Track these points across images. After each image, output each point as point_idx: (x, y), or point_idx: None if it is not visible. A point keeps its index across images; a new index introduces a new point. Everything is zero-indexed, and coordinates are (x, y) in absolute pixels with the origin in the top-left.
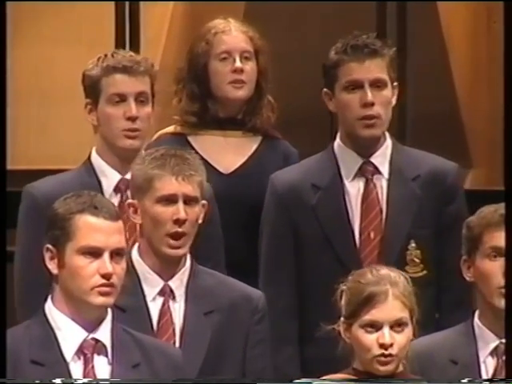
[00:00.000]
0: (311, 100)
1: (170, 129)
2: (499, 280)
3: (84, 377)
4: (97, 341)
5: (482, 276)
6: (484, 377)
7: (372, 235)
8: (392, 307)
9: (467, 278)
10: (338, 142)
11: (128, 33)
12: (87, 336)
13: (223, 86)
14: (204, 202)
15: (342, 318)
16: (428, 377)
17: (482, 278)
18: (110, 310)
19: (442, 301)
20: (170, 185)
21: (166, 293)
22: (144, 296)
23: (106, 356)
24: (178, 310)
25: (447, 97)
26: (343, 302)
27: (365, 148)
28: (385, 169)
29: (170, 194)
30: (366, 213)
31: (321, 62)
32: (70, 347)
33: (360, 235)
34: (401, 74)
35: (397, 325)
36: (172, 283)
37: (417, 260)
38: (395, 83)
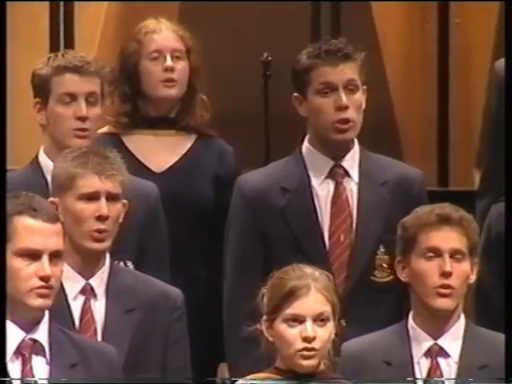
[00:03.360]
0: (247, 98)
1: (105, 129)
2: (435, 280)
3: (22, 377)
4: (35, 341)
5: (418, 276)
6: (418, 377)
7: (342, 238)
8: (314, 300)
9: (402, 279)
10: (306, 145)
11: (62, 33)
12: (25, 336)
13: (154, 85)
14: (125, 201)
15: (264, 316)
16: (361, 378)
17: (418, 278)
18: (47, 311)
19: (405, 307)
20: (92, 182)
21: (87, 291)
22: (65, 295)
23: (44, 356)
24: (99, 308)
25: (380, 97)
26: (265, 300)
27: (335, 151)
28: (354, 173)
29: (92, 191)
30: (336, 215)
31: (256, 59)
32: (8, 348)
33: (330, 238)
34: None
35: (319, 319)
36: (93, 282)
37: (385, 265)
38: (364, 87)
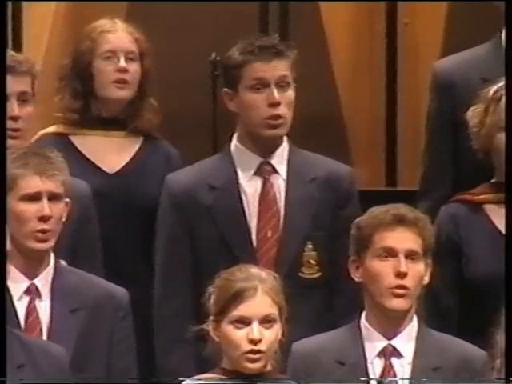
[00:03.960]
0: (195, 98)
1: (52, 128)
2: (390, 280)
3: None
4: None
5: (372, 276)
6: (371, 377)
7: (269, 234)
8: (261, 303)
9: (355, 279)
10: (235, 142)
11: (11, 31)
12: None
13: (106, 84)
14: (67, 200)
15: (211, 317)
16: (313, 378)
17: (372, 279)
18: None
19: (336, 303)
20: (33, 183)
21: (32, 292)
22: (11, 296)
23: None
24: (44, 308)
25: (329, 98)
26: (212, 301)
27: (264, 148)
28: (282, 169)
29: (33, 192)
30: (264, 212)
31: (204, 61)
32: None
33: (257, 234)
34: None
35: (266, 321)
36: (37, 282)
37: (312, 262)
38: (295, 84)
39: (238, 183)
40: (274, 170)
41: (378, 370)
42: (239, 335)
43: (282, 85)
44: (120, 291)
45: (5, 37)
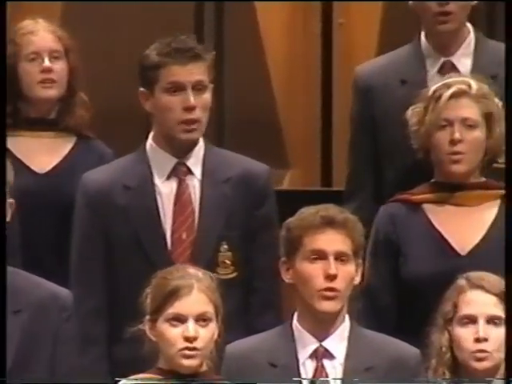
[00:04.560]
0: (129, 97)
1: None
2: (320, 282)
3: None
4: None
5: (302, 278)
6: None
7: (184, 236)
8: (197, 300)
9: (286, 280)
10: (150, 142)
11: None
12: None
13: (33, 86)
14: (11, 200)
15: (147, 316)
16: (246, 379)
17: (302, 281)
18: None
19: (252, 303)
20: None
21: None
22: None
23: None
24: None
25: (264, 98)
26: (148, 300)
27: (179, 149)
28: (198, 170)
29: None
30: (178, 213)
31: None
32: None
33: (172, 236)
34: (218, 76)
35: (201, 319)
36: None
37: (228, 262)
38: (212, 86)
39: (153, 184)
40: (189, 171)
41: (309, 371)
42: (175, 333)
43: (198, 88)
44: (64, 292)
45: (4, 36)
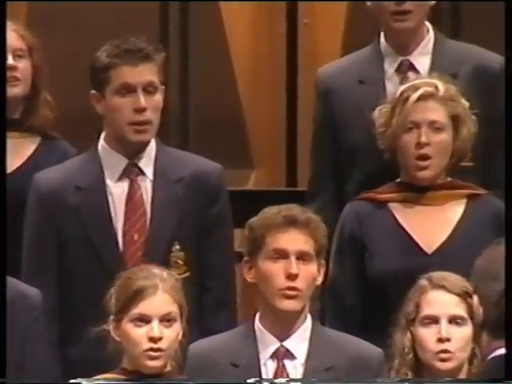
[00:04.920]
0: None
1: None
2: (281, 282)
3: None
4: None
5: (264, 277)
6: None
7: (136, 236)
8: (161, 301)
9: (248, 280)
10: (102, 143)
11: None
12: None
13: None
14: None
15: (111, 316)
16: (208, 379)
17: (264, 280)
18: None
19: (205, 302)
20: None
21: None
22: None
23: None
24: None
25: (230, 98)
26: (113, 300)
27: (130, 150)
28: (149, 170)
29: None
30: (130, 214)
31: None
32: None
33: (123, 236)
34: (183, 76)
35: (166, 319)
36: None
37: (180, 262)
38: (163, 86)
39: (104, 184)
40: (141, 172)
41: (270, 371)
42: (139, 333)
43: (148, 90)
44: (33, 291)
45: (4, 36)
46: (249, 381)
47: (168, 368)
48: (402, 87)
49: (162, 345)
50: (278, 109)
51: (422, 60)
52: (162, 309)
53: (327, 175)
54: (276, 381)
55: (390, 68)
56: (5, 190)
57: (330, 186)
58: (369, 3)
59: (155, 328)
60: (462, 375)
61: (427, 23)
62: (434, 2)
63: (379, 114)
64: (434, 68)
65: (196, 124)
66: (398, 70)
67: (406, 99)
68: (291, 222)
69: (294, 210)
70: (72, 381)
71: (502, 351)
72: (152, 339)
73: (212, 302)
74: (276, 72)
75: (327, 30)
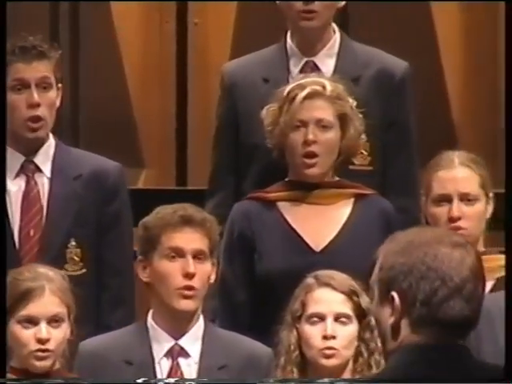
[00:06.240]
0: None
1: None
2: (178, 281)
3: None
4: None
5: (160, 277)
6: (159, 377)
7: (32, 233)
8: (48, 302)
9: (143, 279)
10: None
11: None
12: None
13: None
14: None
15: None
16: (102, 377)
17: (160, 279)
18: None
19: (103, 299)
20: None
21: None
22: None
23: None
24: None
25: (120, 97)
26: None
27: (27, 147)
28: (47, 168)
29: None
30: (26, 211)
31: None
32: None
33: (19, 233)
34: (74, 75)
35: (54, 320)
36: None
37: (76, 258)
38: (60, 85)
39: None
40: (38, 169)
41: (165, 370)
42: (27, 335)
43: (43, 86)
44: None
45: (4, 36)
46: (138, 381)
47: (56, 366)
48: (289, 86)
49: (49, 346)
50: (168, 108)
51: (326, 61)
52: (50, 310)
53: (227, 172)
54: (166, 381)
55: (294, 68)
56: (5, 190)
57: (230, 182)
58: (278, 2)
59: (43, 330)
60: (347, 372)
61: (334, 25)
62: (342, 3)
63: (267, 112)
64: (338, 70)
65: (86, 123)
66: (303, 70)
67: (294, 98)
68: (187, 222)
69: (189, 209)
70: None
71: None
72: (40, 340)
73: (110, 300)
74: (166, 71)
75: (217, 29)
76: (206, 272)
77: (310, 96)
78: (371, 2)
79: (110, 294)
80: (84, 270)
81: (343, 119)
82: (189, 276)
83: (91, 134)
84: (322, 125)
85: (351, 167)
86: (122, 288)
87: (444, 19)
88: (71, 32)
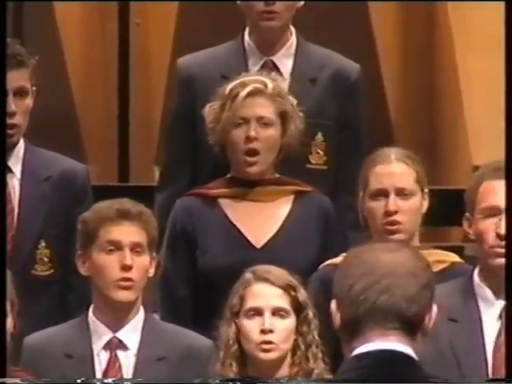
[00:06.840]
0: None
1: None
2: (116, 273)
3: None
4: None
5: (99, 270)
6: (97, 371)
7: None
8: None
9: (83, 273)
10: None
11: None
12: None
13: None
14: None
15: None
16: (42, 371)
17: (99, 272)
18: None
19: (69, 299)
20: None
21: None
22: None
23: None
24: None
25: (63, 96)
26: None
27: None
28: (17, 169)
29: None
30: None
31: None
32: None
33: None
34: None
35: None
36: None
37: (46, 259)
38: (34, 88)
39: None
40: (10, 170)
41: (103, 362)
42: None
43: (20, 94)
44: None
45: (4, 36)
46: (78, 381)
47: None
48: (231, 84)
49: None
50: (111, 106)
51: (284, 61)
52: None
53: (181, 166)
54: (105, 381)
55: (253, 67)
56: (5, 190)
57: (183, 176)
58: (238, 2)
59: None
60: (285, 366)
61: (291, 26)
62: (301, 3)
63: (209, 110)
64: (295, 70)
65: (30, 121)
66: (261, 69)
67: (236, 96)
68: (124, 215)
69: (126, 203)
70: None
71: (363, 349)
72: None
73: (75, 299)
74: (108, 70)
75: (159, 30)
76: (143, 265)
77: (252, 94)
78: (309, 2)
79: (76, 294)
80: (52, 271)
81: (284, 117)
82: (126, 268)
83: (36, 132)
84: (264, 122)
85: (308, 166)
86: (88, 288)
87: (381, 19)
88: (14, 32)
